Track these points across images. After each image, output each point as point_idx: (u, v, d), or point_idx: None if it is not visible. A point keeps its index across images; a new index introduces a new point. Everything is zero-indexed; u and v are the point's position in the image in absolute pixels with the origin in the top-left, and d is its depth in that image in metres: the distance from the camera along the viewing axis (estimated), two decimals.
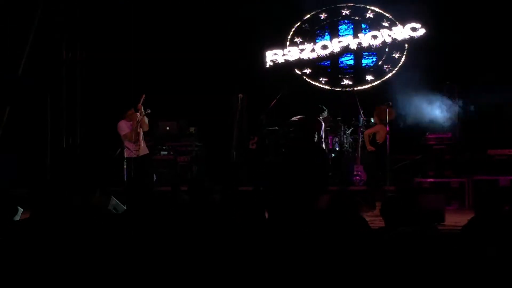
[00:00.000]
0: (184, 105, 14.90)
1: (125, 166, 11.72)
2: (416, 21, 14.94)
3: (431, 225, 6.82)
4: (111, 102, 14.40)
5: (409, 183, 12.29)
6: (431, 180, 12.26)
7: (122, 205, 10.58)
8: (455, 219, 9.07)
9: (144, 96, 11.33)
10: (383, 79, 15.18)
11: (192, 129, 14.63)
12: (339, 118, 13.53)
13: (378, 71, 15.38)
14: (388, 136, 12.02)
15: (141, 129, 11.37)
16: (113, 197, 10.71)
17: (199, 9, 15.13)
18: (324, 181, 11.28)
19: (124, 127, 11.48)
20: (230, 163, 13.82)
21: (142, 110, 11.39)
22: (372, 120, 13.08)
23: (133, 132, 11.32)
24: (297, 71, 15.69)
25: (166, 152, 13.69)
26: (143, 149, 11.42)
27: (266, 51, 15.68)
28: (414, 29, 15.02)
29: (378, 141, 12.35)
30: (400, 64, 15.19)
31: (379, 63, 15.44)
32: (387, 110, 12.11)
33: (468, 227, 4.63)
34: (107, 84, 14.57)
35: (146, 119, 11.52)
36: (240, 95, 15.07)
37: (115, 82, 14.63)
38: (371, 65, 15.56)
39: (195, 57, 14.82)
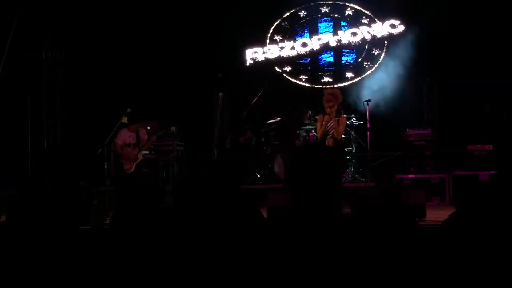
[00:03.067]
0: (165, 104, 14.91)
1: (106, 166, 11.74)
2: (395, 18, 15.01)
3: (412, 221, 6.84)
4: (91, 101, 14.41)
5: (390, 179, 12.34)
6: (412, 176, 12.34)
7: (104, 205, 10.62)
8: (436, 214, 9.15)
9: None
10: (363, 76, 15.23)
11: (173, 128, 14.59)
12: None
13: (358, 68, 15.43)
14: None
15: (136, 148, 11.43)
16: (96, 198, 10.73)
17: (180, 8, 15.09)
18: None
19: (120, 136, 11.51)
20: (211, 162, 13.80)
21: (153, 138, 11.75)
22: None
23: (124, 147, 11.42)
24: (277, 69, 15.71)
25: (147, 152, 13.64)
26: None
27: (246, 49, 15.67)
28: (393, 26, 15.10)
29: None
30: (379, 61, 15.25)
31: (359, 60, 15.51)
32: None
33: (448, 221, 4.66)
34: (87, 84, 14.52)
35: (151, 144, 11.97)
36: (221, 94, 15.05)
37: (94, 82, 14.59)
38: (351, 62, 15.61)
39: (176, 56, 14.79)
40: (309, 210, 3.02)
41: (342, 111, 10.67)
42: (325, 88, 14.03)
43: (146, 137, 11.63)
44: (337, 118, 10.09)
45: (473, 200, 4.72)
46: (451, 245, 4.52)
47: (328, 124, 10.04)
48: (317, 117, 10.64)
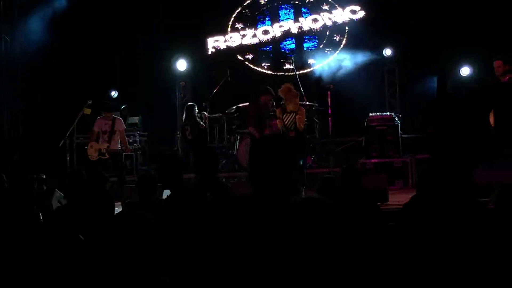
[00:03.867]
0: (127, 94, 14.84)
1: (68, 159, 11.66)
2: (356, 3, 15.05)
3: (374, 205, 6.90)
4: (52, 93, 14.25)
5: (352, 164, 12.41)
6: (375, 160, 12.40)
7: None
8: (399, 198, 9.24)
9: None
10: (324, 62, 15.26)
11: (136, 118, 14.54)
12: (282, 102, 13.53)
13: (319, 55, 15.45)
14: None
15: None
16: (57, 190, 10.62)
17: None
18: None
19: (96, 124, 11.52)
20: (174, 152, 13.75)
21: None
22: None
23: (101, 133, 11.42)
24: (239, 57, 15.67)
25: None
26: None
27: (208, 37, 15.60)
28: (353, 12, 15.13)
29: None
30: (341, 47, 15.30)
31: (321, 46, 15.53)
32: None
33: (408, 205, 4.71)
34: (48, 75, 14.36)
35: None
36: (182, 83, 15.03)
37: (55, 73, 14.43)
38: (313, 48, 15.63)
39: (136, 46, 14.68)
40: (268, 200, 3.02)
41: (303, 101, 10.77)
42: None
43: (123, 127, 11.69)
44: (296, 111, 10.29)
45: (432, 182, 4.75)
46: (411, 227, 4.56)
47: (287, 118, 10.27)
48: (282, 103, 10.75)
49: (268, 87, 11.11)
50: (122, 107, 14.27)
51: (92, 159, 11.48)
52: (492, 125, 10.05)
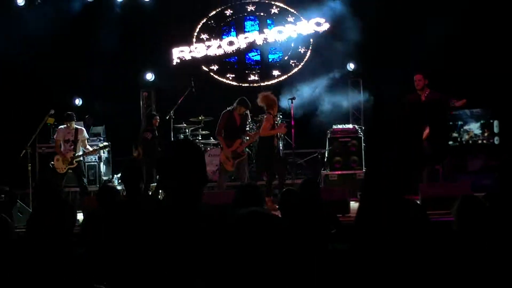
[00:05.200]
0: (91, 104, 14.73)
1: (30, 168, 11.53)
2: (320, 16, 15.14)
3: (334, 217, 6.94)
4: (13, 103, 14.11)
5: (314, 175, 12.47)
6: (338, 172, 12.47)
7: (27, 207, 10.42)
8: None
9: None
10: (289, 74, 15.34)
11: (99, 128, 14.43)
12: (245, 113, 13.53)
13: (284, 66, 15.54)
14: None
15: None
16: (19, 201, 10.52)
17: (108, 6, 14.94)
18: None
19: (59, 133, 11.69)
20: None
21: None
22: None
23: (64, 143, 11.58)
24: (204, 68, 15.67)
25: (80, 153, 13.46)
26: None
27: (173, 48, 15.58)
28: (318, 24, 15.24)
29: None
30: (305, 59, 15.38)
31: (285, 58, 15.60)
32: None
33: (357, 216, 4.71)
34: (8, 85, 14.22)
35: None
36: (145, 93, 14.98)
37: (16, 83, 14.30)
38: (278, 60, 15.70)
39: (102, 54, 14.59)
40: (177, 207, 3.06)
41: (271, 112, 10.91)
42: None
43: (85, 136, 11.86)
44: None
45: (375, 192, 4.76)
46: (362, 237, 4.57)
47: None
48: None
49: (244, 97, 11.18)
50: (86, 116, 14.17)
51: (60, 172, 11.49)
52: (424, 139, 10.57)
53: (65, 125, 11.66)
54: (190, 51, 15.62)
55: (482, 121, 12.44)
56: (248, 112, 11.32)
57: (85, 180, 11.97)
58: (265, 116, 10.97)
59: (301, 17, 15.44)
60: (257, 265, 2.32)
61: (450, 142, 12.27)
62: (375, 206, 4.26)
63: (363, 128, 13.54)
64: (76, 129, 11.68)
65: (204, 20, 15.86)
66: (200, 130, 13.79)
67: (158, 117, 12.94)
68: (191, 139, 13.31)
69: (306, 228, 5.77)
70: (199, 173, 3.08)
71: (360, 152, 12.69)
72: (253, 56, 15.79)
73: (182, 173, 3.04)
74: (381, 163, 11.65)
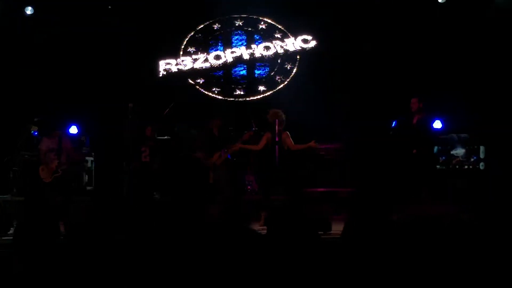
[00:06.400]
0: (74, 113, 14.63)
1: (11, 175, 11.49)
2: (307, 33, 15.20)
3: (315, 234, 6.90)
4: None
5: (298, 193, 12.44)
6: (321, 189, 12.45)
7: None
8: (342, 228, 9.24)
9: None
10: (275, 90, 15.34)
11: (82, 137, 14.35)
12: (231, 128, 13.52)
13: (270, 82, 15.55)
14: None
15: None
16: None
17: (94, 16, 14.88)
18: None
19: (43, 142, 11.39)
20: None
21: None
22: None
23: (48, 152, 11.27)
24: (190, 81, 15.64)
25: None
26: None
27: (159, 60, 15.54)
28: (305, 41, 15.32)
29: None
30: (292, 75, 15.40)
31: (272, 73, 15.62)
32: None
33: (343, 232, 4.72)
34: None
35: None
36: (130, 105, 14.89)
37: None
38: (264, 75, 15.71)
39: (87, 65, 14.55)
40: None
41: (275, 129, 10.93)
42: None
43: (70, 145, 11.62)
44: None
45: (361, 209, 4.79)
46: (348, 254, 4.56)
47: None
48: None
49: (219, 113, 11.23)
50: (71, 126, 14.09)
51: (46, 181, 11.38)
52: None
53: (49, 134, 11.54)
54: (177, 64, 15.59)
55: (468, 147, 12.51)
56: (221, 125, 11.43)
57: (71, 188, 11.86)
58: (282, 133, 11.07)
59: (288, 34, 15.49)
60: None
61: (438, 166, 12.34)
62: (362, 224, 4.26)
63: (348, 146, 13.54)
64: (60, 137, 11.58)
65: (192, 33, 15.85)
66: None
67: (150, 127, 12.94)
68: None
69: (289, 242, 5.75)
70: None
71: (343, 169, 12.70)
72: (239, 70, 15.79)
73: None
74: (369, 182, 11.73)
